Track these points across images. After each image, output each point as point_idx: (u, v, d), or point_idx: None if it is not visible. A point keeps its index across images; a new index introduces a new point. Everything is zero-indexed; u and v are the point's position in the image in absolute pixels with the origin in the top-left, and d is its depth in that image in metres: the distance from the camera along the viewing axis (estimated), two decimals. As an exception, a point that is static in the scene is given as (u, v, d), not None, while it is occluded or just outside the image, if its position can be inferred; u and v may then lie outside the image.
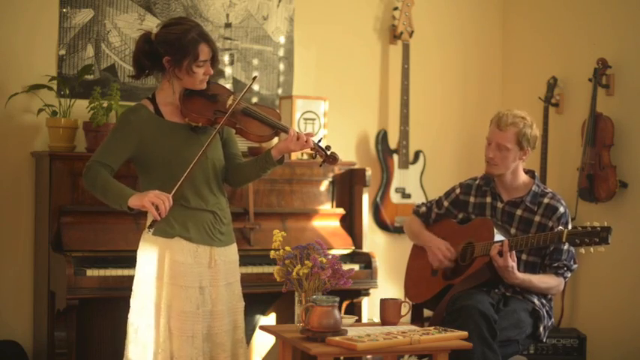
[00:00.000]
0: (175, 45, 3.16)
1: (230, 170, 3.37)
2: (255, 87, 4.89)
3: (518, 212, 3.76)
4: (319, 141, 3.27)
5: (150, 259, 3.23)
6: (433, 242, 3.88)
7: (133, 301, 3.28)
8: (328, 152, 3.27)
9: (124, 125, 3.23)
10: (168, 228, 3.21)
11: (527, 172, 3.85)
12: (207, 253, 3.26)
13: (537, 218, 3.73)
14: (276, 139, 3.38)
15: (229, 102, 3.24)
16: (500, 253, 3.55)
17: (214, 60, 3.25)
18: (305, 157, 4.65)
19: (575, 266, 3.72)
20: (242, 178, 3.39)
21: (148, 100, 3.29)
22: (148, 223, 3.21)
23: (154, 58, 3.20)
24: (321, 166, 3.30)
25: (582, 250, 3.51)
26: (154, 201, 3.05)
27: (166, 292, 3.21)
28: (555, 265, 3.68)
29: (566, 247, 3.67)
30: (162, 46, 3.18)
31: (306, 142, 3.22)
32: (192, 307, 3.20)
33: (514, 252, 3.57)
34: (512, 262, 3.54)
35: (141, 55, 3.22)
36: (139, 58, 3.23)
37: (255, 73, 4.86)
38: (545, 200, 3.75)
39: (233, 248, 3.39)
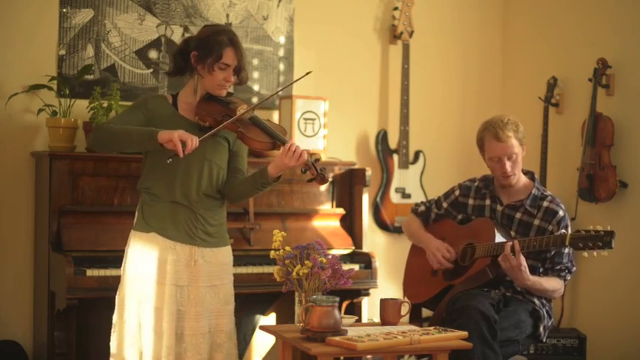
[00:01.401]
0: (204, 41, 3.28)
1: (228, 184, 3.38)
2: (256, 87, 4.89)
3: (518, 215, 3.76)
4: (317, 161, 3.27)
5: (127, 254, 3.32)
6: (432, 243, 3.86)
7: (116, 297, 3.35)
8: (320, 171, 3.26)
9: (139, 103, 3.39)
10: (145, 223, 3.27)
11: (526, 173, 3.84)
12: (187, 251, 3.28)
13: (537, 222, 3.72)
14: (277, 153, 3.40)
15: (240, 110, 3.31)
16: (512, 252, 3.52)
17: (239, 70, 3.31)
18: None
19: (574, 268, 3.72)
20: (238, 194, 3.39)
21: (171, 95, 3.41)
22: (136, 220, 3.33)
23: (187, 57, 3.33)
24: (308, 181, 3.29)
25: (585, 254, 3.50)
26: (183, 137, 3.11)
27: (140, 288, 3.25)
28: (558, 267, 3.68)
29: (567, 250, 3.66)
30: (194, 42, 3.31)
31: (300, 156, 3.22)
32: (165, 305, 3.21)
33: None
34: (524, 262, 3.53)
35: (177, 53, 3.36)
36: (175, 56, 3.37)
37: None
38: (545, 204, 3.74)
39: (224, 251, 3.39)
